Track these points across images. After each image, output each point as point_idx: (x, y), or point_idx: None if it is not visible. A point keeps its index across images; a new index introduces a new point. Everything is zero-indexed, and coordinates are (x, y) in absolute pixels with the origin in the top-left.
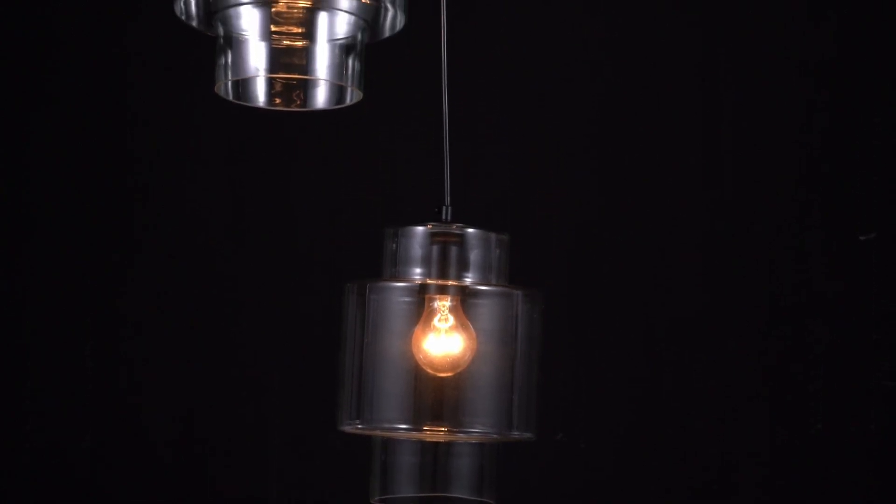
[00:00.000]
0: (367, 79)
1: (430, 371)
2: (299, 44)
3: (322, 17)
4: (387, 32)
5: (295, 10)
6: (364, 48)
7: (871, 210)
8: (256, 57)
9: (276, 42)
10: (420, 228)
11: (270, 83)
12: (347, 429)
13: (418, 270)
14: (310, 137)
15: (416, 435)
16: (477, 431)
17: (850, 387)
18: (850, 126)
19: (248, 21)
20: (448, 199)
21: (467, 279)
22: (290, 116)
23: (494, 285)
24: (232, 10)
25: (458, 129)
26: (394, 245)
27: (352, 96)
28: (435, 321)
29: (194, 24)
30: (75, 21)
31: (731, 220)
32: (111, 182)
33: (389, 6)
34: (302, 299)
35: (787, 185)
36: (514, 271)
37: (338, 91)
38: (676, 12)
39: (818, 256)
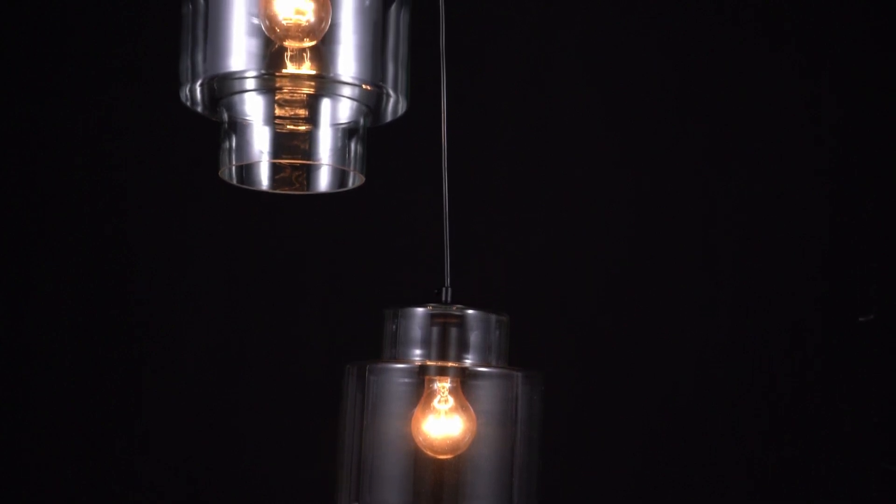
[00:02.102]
0: (369, 161)
1: (429, 453)
2: (302, 128)
3: (325, 103)
4: (389, 117)
5: (298, 96)
6: (366, 132)
7: (870, 292)
8: (260, 142)
9: (280, 127)
10: (420, 309)
11: (273, 167)
12: None
13: (418, 351)
14: (309, 218)
15: None
16: None
17: (850, 469)
18: (849, 207)
19: (253, 107)
20: (448, 280)
21: (467, 360)
22: (291, 198)
23: (494, 367)
24: (236, 97)
25: (459, 212)
26: (394, 326)
27: (354, 180)
28: (435, 403)
29: (199, 109)
30: (75, 104)
31: (728, 301)
32: (112, 253)
33: (391, 92)
34: (301, 380)
35: (785, 267)
36: (514, 352)
37: (340, 175)
38: (676, 88)
39: (817, 338)
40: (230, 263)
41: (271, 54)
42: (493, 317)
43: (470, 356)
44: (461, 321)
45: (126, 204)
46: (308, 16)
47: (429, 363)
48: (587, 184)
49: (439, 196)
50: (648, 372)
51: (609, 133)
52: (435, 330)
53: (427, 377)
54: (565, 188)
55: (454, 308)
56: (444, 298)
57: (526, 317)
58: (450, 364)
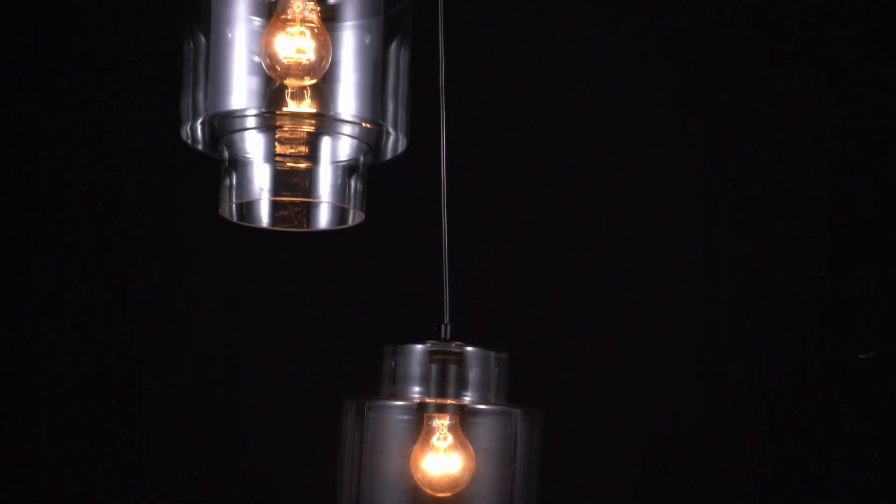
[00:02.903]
0: (368, 199)
1: (428, 491)
2: (302, 166)
3: (325, 141)
4: (389, 155)
5: (298, 134)
6: (366, 170)
7: (870, 329)
8: (260, 179)
9: (280, 164)
10: (419, 346)
11: (274, 204)
12: None
13: (417, 389)
14: (308, 254)
15: None
16: None
17: (850, 469)
18: (849, 207)
19: (253, 144)
20: (447, 317)
21: (466, 398)
22: (290, 233)
23: (493, 404)
24: (237, 135)
25: (458, 248)
26: (393, 363)
27: (354, 217)
28: (433, 440)
29: (200, 147)
30: (77, 144)
31: (729, 338)
32: (112, 253)
33: (391, 130)
34: (301, 380)
35: (785, 267)
36: (515, 355)
37: (340, 212)
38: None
39: (817, 338)
40: (230, 263)
41: (272, 92)
42: (493, 354)
43: (469, 393)
44: (460, 358)
45: (126, 204)
46: (309, 54)
47: (428, 400)
48: (587, 185)
49: (438, 199)
50: (648, 372)
51: (609, 134)
52: (434, 367)
53: (426, 414)
54: (565, 190)
55: (453, 345)
56: (443, 335)
57: (525, 318)
58: (449, 401)
